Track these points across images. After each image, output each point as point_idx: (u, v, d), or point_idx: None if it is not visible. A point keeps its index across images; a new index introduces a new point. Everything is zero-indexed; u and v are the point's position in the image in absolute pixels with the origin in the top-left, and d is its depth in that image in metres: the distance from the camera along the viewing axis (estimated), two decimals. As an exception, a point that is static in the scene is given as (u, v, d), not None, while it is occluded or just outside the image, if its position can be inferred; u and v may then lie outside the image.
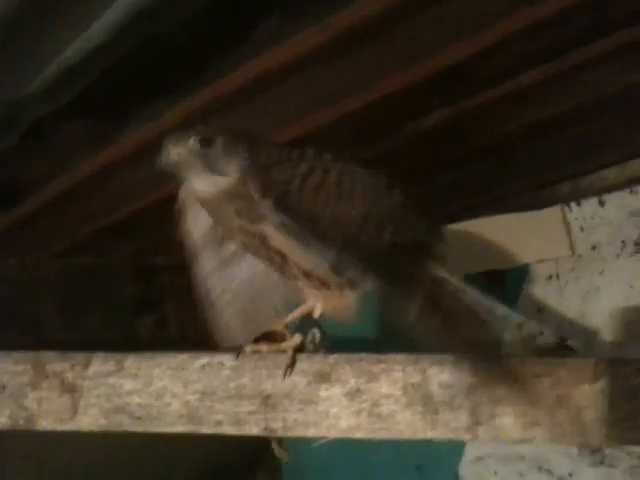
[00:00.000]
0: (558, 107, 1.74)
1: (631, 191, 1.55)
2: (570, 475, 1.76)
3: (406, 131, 1.84)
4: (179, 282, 2.71)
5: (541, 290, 1.63)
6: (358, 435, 1.19)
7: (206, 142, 1.22)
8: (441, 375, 1.16)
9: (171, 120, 1.68)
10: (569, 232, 1.60)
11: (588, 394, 1.04)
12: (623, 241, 1.52)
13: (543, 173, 1.80)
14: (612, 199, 1.56)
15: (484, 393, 1.11)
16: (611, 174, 1.63)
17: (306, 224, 1.14)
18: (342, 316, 1.25)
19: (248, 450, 2.61)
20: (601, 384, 1.03)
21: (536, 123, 1.76)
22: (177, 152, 1.21)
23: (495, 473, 2.10)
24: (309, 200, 1.18)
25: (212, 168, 1.21)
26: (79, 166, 1.85)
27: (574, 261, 1.57)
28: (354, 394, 1.19)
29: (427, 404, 1.15)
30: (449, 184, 1.98)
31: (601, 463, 1.72)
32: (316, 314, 1.27)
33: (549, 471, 1.86)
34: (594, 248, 1.57)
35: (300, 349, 1.24)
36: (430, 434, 1.15)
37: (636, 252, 1.52)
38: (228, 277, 1.38)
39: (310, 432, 1.20)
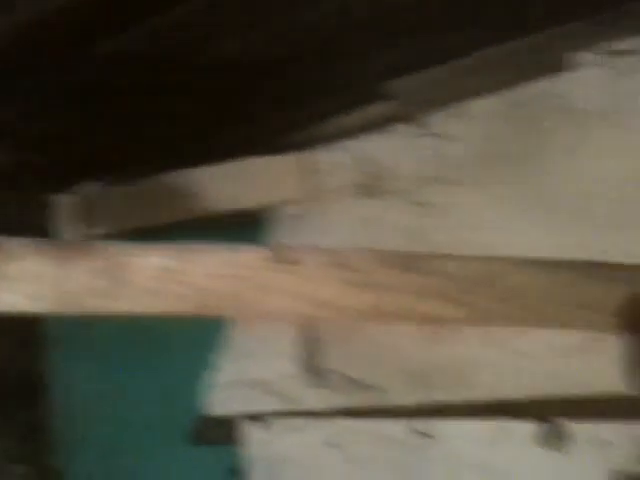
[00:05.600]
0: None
1: (364, 137, 1.55)
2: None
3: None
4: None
5: (284, 230, 1.61)
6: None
7: None
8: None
9: None
10: (307, 176, 1.59)
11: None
12: (353, 185, 1.54)
13: (275, 117, 1.66)
14: (346, 145, 1.57)
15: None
16: (345, 120, 1.61)
17: None
18: None
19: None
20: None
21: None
22: None
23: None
24: None
25: None
26: None
27: (312, 203, 1.56)
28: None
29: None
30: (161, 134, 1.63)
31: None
32: None
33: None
34: (330, 191, 1.58)
35: None
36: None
37: (363, 195, 1.54)
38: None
39: None
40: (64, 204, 1.58)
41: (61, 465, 1.62)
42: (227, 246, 0.84)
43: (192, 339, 1.54)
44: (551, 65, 1.32)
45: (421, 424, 1.19)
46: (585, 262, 0.88)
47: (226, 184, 1.65)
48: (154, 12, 1.23)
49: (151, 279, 0.81)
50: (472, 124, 1.41)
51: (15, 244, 1.02)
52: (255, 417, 1.32)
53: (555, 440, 1.10)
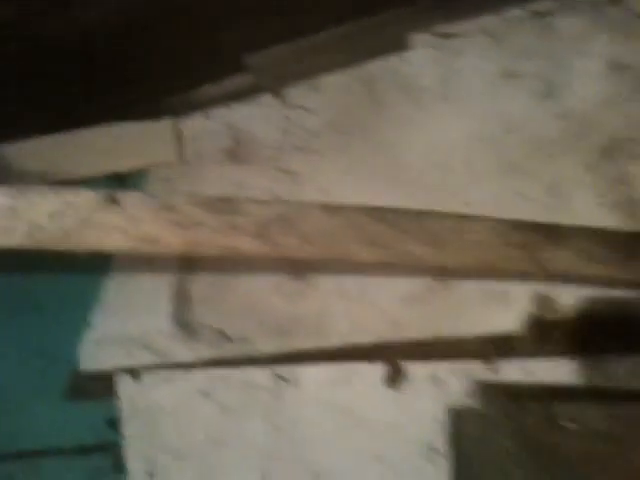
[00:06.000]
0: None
1: (233, 106, 1.66)
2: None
3: None
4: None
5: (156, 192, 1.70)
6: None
7: None
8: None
9: None
10: (179, 141, 1.71)
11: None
12: (221, 151, 1.65)
13: (145, 85, 1.69)
14: (214, 113, 1.69)
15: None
16: (213, 89, 1.72)
17: None
18: None
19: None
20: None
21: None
22: None
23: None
24: None
25: None
26: None
27: (183, 167, 1.68)
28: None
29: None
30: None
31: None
32: None
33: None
34: (200, 156, 1.69)
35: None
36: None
37: (231, 161, 1.63)
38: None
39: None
40: None
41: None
42: (61, 188, 0.93)
43: (67, 296, 1.61)
44: (393, 44, 1.45)
45: (283, 370, 1.32)
46: (374, 207, 1.01)
47: (99, 148, 1.71)
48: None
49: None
50: (326, 97, 1.52)
51: None
52: (130, 371, 1.40)
53: (397, 380, 1.26)
